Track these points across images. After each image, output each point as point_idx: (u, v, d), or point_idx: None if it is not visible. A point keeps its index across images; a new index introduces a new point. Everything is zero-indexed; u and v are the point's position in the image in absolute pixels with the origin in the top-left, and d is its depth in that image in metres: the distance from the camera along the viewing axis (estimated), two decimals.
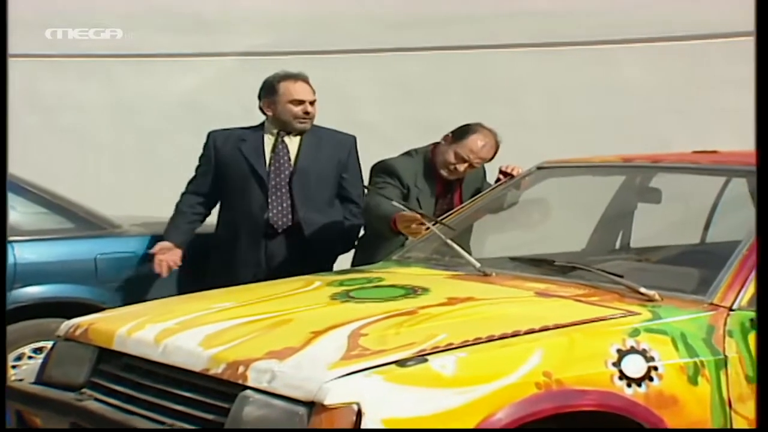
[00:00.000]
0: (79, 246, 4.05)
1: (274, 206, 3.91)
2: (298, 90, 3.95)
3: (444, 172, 3.78)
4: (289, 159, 3.97)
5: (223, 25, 7.12)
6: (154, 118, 7.16)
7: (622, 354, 2.39)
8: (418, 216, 3.33)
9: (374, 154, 4.13)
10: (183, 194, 4.10)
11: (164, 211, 4.35)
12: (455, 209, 3.66)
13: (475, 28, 6.88)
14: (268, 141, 3.99)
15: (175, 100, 7.14)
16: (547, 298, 2.74)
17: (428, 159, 3.82)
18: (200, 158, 4.09)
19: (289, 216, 3.91)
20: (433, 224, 3.32)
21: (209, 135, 4.09)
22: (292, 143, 4.00)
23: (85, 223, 4.15)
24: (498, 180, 3.83)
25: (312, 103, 3.97)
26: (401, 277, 3.08)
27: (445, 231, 3.29)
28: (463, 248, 3.24)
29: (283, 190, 3.93)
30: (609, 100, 6.67)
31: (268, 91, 3.99)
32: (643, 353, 2.42)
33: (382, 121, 6.77)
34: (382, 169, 3.82)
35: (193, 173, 4.12)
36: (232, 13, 7.13)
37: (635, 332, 2.45)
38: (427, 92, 6.74)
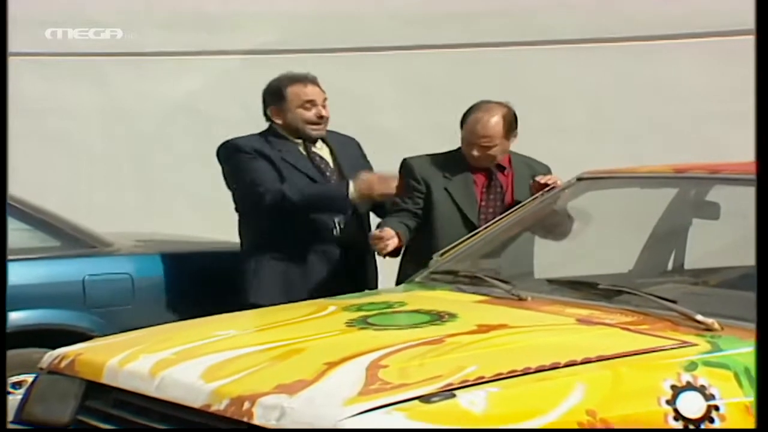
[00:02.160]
0: (65, 266, 4.05)
1: (348, 221, 3.95)
2: (308, 92, 3.97)
3: (473, 162, 3.88)
4: (332, 170, 4.00)
5: (227, 21, 7.14)
6: (150, 122, 7.18)
7: (677, 391, 2.35)
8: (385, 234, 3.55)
9: (394, 164, 4.11)
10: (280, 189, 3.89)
11: (162, 227, 4.33)
12: (496, 219, 3.68)
13: (506, 23, 6.87)
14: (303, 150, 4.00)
15: (173, 102, 7.17)
16: (590, 326, 2.71)
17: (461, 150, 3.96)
18: (242, 160, 3.94)
19: (362, 230, 3.98)
20: (443, 255, 3.43)
21: (238, 141, 3.98)
22: (323, 152, 4.03)
23: (72, 240, 4.15)
24: (532, 194, 3.82)
25: (324, 104, 3.98)
26: (425, 301, 3.07)
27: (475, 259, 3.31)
28: (499, 267, 3.21)
29: (345, 214, 3.97)
30: (657, 103, 6.65)
31: (275, 97, 3.99)
32: (701, 390, 2.38)
33: (402, 127, 6.76)
34: (409, 168, 3.93)
35: (250, 173, 3.94)
36: (236, 9, 7.16)
37: (692, 366, 2.42)
38: (452, 95, 6.70)
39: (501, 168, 3.93)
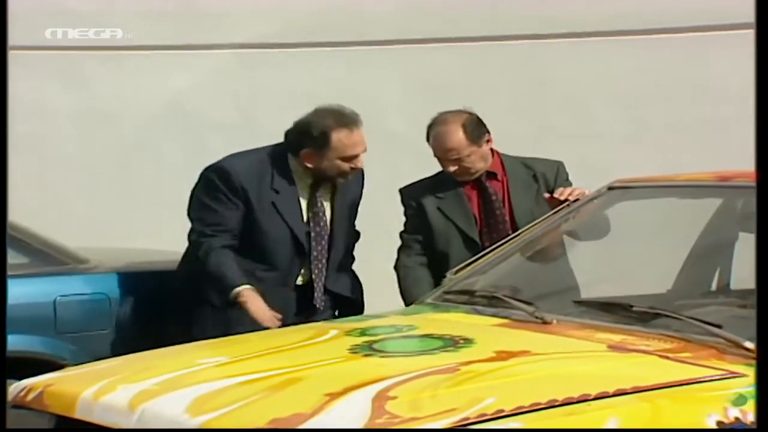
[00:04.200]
0: (33, 286, 4.05)
1: (317, 280, 3.98)
2: (356, 143, 3.89)
3: (455, 178, 4.00)
4: (326, 222, 4.01)
5: (219, 11, 7.14)
6: (132, 125, 7.18)
7: (724, 428, 2.34)
8: None
9: (403, 174, 4.12)
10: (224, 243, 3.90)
11: (145, 241, 4.33)
12: (507, 238, 3.68)
13: (528, 14, 6.85)
14: (302, 194, 3.98)
15: (158, 103, 7.17)
16: (624, 354, 2.71)
17: None
18: (218, 194, 3.91)
19: (323, 290, 4.00)
20: (457, 272, 3.49)
21: (230, 169, 3.92)
22: (326, 198, 4.02)
23: (42, 256, 4.15)
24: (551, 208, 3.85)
25: (363, 152, 3.95)
26: (438, 324, 3.07)
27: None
28: (520, 286, 3.23)
29: (323, 262, 3.99)
30: (699, 103, 6.61)
31: (315, 140, 3.87)
32: (752, 427, 2.36)
33: (412, 131, 6.72)
34: (402, 197, 4.13)
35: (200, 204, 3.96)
36: None
37: (740, 399, 2.41)
38: (466, 95, 6.69)
39: (492, 175, 4.02)
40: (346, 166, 3.90)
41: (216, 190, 3.91)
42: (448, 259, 3.89)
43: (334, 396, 2.39)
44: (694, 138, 6.47)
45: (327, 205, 4.02)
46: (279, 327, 3.71)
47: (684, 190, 3.59)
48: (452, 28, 6.98)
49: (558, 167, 4.07)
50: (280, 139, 4.02)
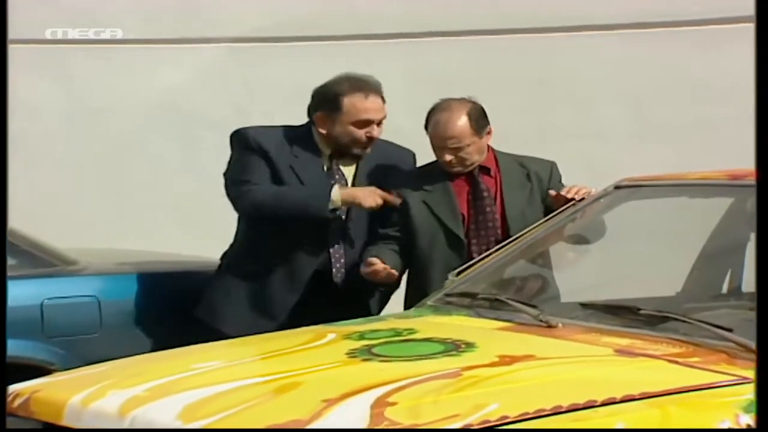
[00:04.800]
0: (20, 288, 4.01)
1: (336, 258, 3.96)
2: (368, 108, 3.92)
3: (448, 169, 3.94)
4: None
5: (213, 3, 7.13)
6: (123, 122, 7.18)
7: None
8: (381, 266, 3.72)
9: None
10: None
11: (136, 242, 4.32)
12: (505, 242, 3.67)
13: (534, 8, 6.85)
14: (324, 164, 3.99)
15: (150, 99, 7.16)
16: (631, 358, 2.71)
17: None
18: (242, 154, 3.96)
19: (344, 270, 3.97)
20: (459, 274, 3.46)
21: (247, 131, 3.98)
22: (348, 171, 4.01)
23: (29, 258, 4.13)
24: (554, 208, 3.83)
25: (380, 122, 3.96)
26: (439, 328, 3.08)
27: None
28: (524, 289, 3.22)
29: (341, 239, 3.96)
30: (709, 99, 6.60)
31: (328, 103, 3.93)
32: None
33: (414, 127, 6.73)
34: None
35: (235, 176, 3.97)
36: None
37: (752, 406, 2.39)
38: (470, 90, 6.70)
39: (486, 170, 3.98)
40: (359, 132, 3.91)
41: (239, 151, 3.97)
42: (431, 256, 3.86)
43: (331, 402, 2.39)
44: (700, 136, 6.45)
45: (349, 180, 4.00)
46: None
47: (693, 190, 3.59)
48: (453, 21, 6.97)
49: (551, 167, 4.03)
50: None
